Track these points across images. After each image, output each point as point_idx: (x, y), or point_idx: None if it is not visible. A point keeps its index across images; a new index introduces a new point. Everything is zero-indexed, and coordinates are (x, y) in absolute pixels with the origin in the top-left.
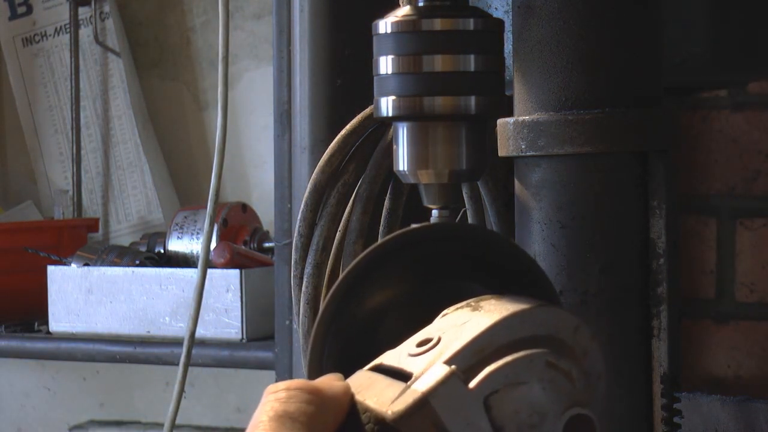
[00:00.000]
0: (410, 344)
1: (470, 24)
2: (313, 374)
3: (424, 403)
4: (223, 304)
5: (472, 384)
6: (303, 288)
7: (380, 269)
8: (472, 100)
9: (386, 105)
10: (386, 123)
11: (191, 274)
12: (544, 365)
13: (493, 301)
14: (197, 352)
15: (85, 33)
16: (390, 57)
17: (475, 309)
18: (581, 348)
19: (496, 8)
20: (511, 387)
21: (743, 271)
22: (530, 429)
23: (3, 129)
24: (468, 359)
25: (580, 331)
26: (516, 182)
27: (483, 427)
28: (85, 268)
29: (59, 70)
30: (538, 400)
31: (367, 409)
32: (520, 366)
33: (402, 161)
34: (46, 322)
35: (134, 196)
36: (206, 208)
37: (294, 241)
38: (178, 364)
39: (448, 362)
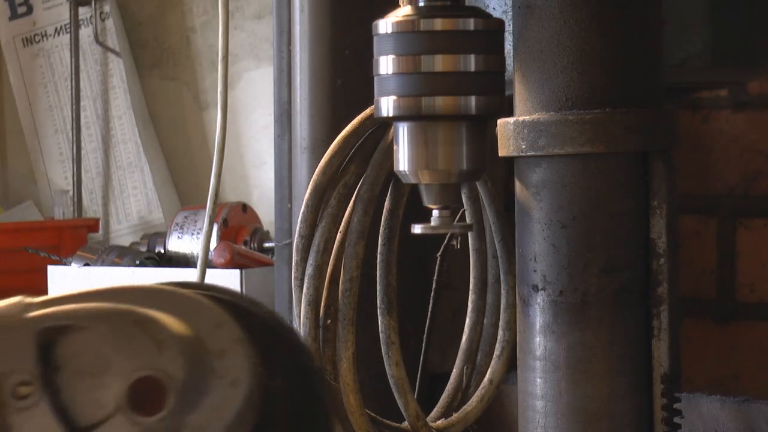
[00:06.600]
0: None
1: (470, 24)
2: None
3: None
4: None
5: (31, 314)
6: (304, 289)
7: None
8: (472, 100)
9: (387, 105)
10: (386, 123)
11: (191, 274)
12: (130, 321)
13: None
14: None
15: (86, 33)
16: (390, 57)
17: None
18: (217, 345)
19: (494, 8)
20: (75, 330)
21: (743, 271)
22: (89, 376)
23: (3, 129)
24: (51, 303)
25: (222, 328)
26: (516, 182)
27: (29, 353)
28: (86, 268)
29: (59, 70)
30: (105, 351)
31: None
32: (89, 312)
33: (402, 161)
34: None
35: (134, 196)
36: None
37: (295, 243)
38: None
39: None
